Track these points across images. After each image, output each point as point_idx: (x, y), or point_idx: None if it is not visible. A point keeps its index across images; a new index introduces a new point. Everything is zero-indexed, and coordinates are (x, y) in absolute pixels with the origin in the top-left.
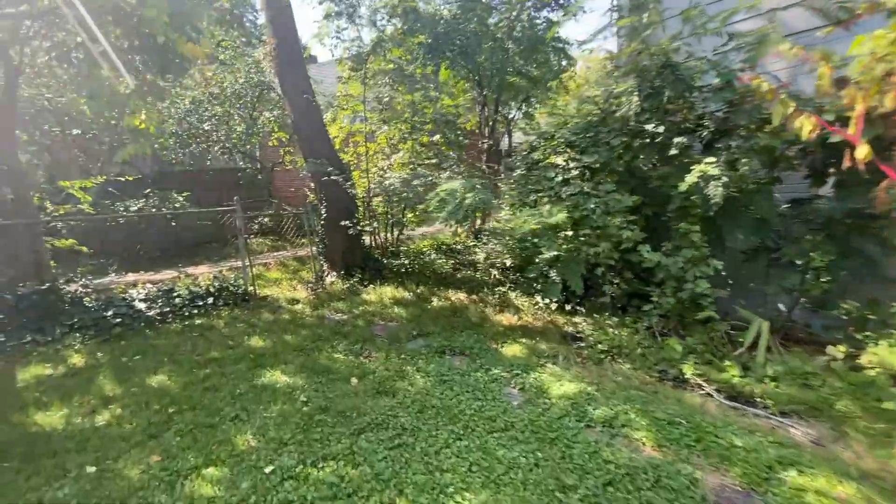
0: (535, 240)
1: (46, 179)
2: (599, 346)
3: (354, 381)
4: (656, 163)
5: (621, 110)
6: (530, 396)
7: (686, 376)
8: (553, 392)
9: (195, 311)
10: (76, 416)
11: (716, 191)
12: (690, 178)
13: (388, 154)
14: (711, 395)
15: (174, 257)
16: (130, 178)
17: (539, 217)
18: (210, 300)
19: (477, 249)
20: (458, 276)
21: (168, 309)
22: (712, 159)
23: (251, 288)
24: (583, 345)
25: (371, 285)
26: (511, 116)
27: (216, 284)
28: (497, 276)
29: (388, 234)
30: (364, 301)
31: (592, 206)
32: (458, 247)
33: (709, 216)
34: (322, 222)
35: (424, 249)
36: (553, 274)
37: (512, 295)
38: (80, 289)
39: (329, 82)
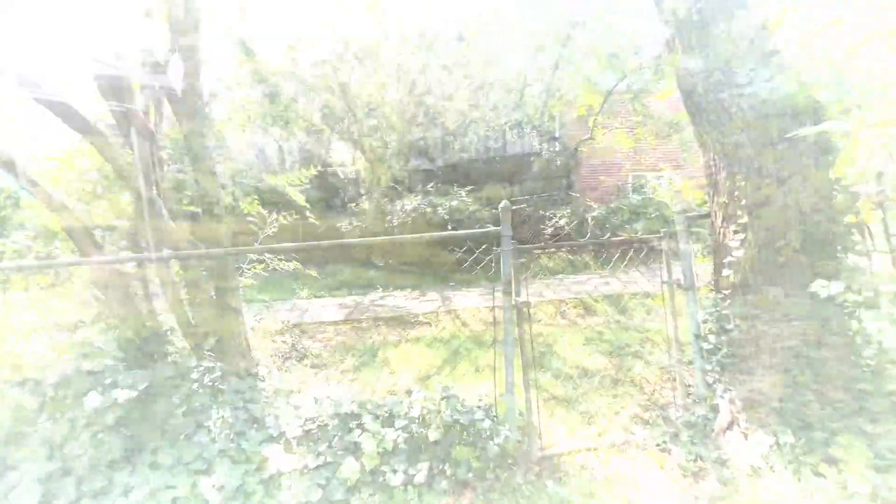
0: None
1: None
2: None
3: None
4: None
5: None
6: None
7: None
8: None
9: None
10: None
11: None
12: None
13: None
14: None
15: (449, 269)
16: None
17: None
18: (424, 465)
19: None
20: None
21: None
22: None
23: (521, 418)
24: None
25: None
26: None
27: (447, 410)
28: None
29: None
30: None
31: None
32: None
33: None
34: (739, 271)
35: None
36: None
37: None
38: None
39: None
